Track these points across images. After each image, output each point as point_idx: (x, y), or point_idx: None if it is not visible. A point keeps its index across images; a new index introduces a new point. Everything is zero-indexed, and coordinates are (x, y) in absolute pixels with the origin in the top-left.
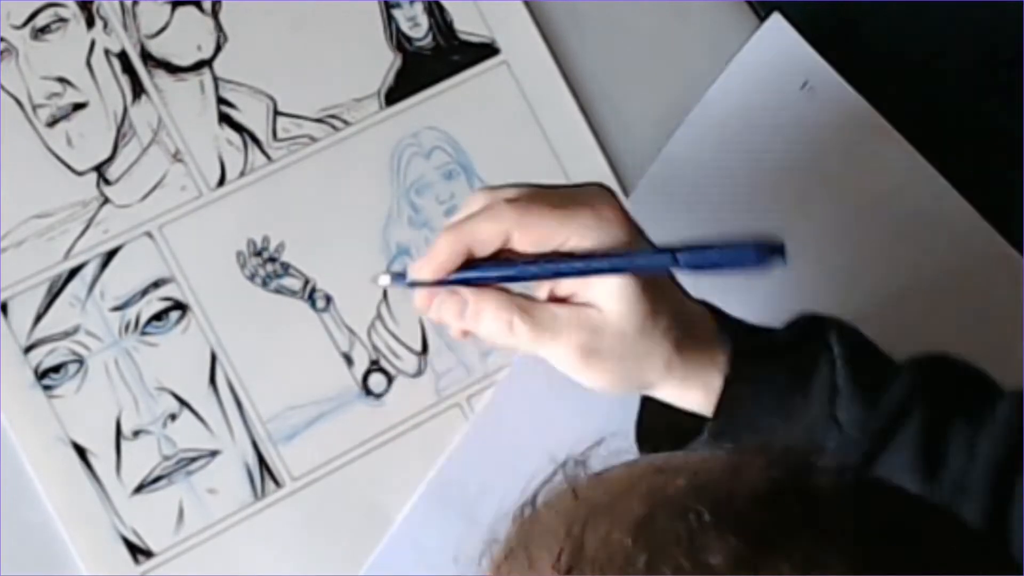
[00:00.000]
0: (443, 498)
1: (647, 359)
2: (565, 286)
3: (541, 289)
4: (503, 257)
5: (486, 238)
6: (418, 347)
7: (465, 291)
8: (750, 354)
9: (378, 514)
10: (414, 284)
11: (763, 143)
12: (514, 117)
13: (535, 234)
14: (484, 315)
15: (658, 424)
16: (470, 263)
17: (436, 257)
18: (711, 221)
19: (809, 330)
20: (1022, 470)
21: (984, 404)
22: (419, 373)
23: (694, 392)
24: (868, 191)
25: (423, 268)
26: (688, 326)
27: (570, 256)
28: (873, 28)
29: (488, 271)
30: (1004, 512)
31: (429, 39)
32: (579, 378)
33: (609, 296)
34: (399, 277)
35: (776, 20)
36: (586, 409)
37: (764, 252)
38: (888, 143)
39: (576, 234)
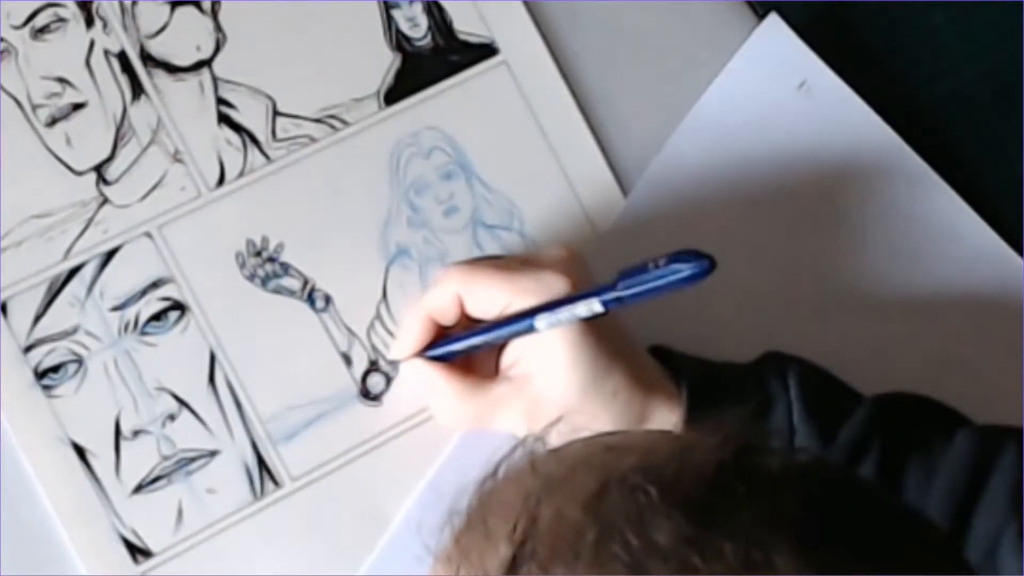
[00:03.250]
0: (442, 499)
1: (594, 421)
2: (510, 356)
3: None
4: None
5: (440, 305)
6: None
7: (425, 375)
8: (704, 402)
9: (377, 514)
10: (395, 362)
11: (760, 142)
12: (513, 117)
13: (479, 297)
14: (433, 402)
15: None
16: (442, 335)
17: (405, 335)
18: (709, 221)
19: (767, 370)
20: (976, 504)
21: (943, 438)
22: None
23: None
24: (864, 191)
25: (398, 348)
26: (638, 383)
27: (508, 319)
28: (870, 27)
29: (440, 347)
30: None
31: (428, 39)
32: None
33: (549, 366)
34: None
35: (773, 20)
36: None
37: (698, 270)
38: (884, 143)
39: (518, 297)
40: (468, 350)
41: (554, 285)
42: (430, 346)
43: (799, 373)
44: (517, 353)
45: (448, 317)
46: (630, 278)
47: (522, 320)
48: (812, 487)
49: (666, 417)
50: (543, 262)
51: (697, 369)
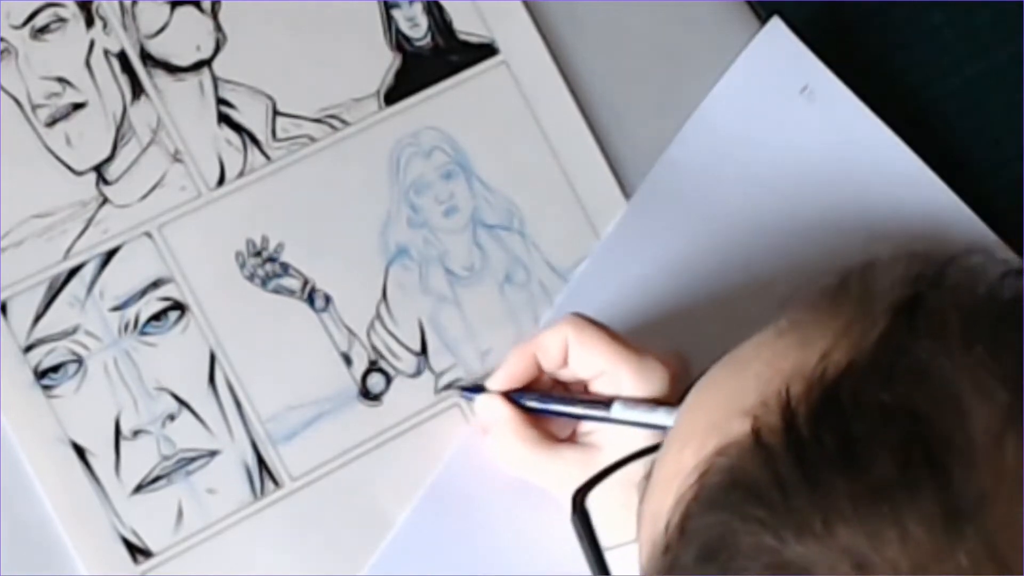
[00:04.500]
0: (444, 500)
1: None
2: (588, 425)
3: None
4: (555, 392)
5: (549, 346)
6: (417, 347)
7: (502, 412)
8: None
9: (377, 514)
10: (475, 390)
11: (763, 146)
12: (513, 117)
13: (584, 351)
14: (499, 437)
15: None
16: (532, 388)
17: (506, 367)
18: (711, 224)
19: None
20: None
21: None
22: (418, 373)
23: None
24: (866, 195)
25: (496, 379)
26: None
27: (596, 402)
28: (870, 27)
29: (532, 400)
30: None
31: (428, 39)
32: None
33: (623, 444)
34: (467, 391)
35: (776, 24)
36: None
37: None
38: (887, 147)
39: (615, 365)
40: (544, 412)
41: (655, 371)
42: (519, 390)
43: None
44: (594, 425)
45: (551, 359)
46: None
47: (601, 404)
48: None
49: None
50: (653, 351)
51: None
